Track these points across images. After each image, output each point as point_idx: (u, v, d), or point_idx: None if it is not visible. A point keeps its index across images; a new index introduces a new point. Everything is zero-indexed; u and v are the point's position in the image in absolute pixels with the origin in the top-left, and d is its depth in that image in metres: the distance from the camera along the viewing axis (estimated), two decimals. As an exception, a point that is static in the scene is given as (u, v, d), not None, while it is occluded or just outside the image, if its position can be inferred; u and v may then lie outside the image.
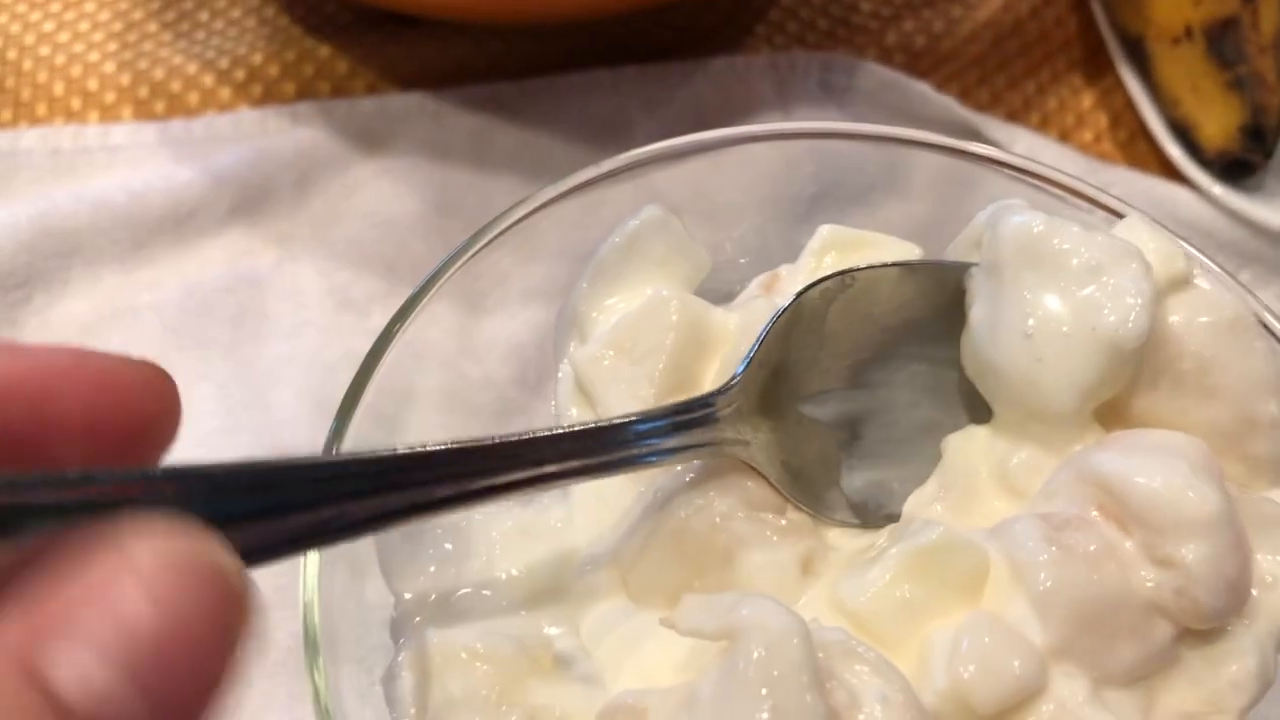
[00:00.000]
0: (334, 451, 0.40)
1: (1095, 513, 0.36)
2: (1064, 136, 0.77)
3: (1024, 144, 0.73)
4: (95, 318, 0.68)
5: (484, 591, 0.39)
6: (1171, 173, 0.73)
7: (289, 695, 0.60)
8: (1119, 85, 0.78)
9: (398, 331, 0.41)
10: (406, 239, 0.72)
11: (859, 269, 0.42)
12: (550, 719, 0.36)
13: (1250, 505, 0.37)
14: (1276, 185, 0.73)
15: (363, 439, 0.47)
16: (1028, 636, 0.34)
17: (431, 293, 0.42)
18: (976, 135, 0.72)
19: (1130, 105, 0.76)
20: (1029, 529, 0.36)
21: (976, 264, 0.41)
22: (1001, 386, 0.39)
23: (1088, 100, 0.79)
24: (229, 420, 0.66)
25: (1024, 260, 0.38)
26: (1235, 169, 0.70)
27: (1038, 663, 0.34)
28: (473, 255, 0.43)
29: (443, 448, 0.34)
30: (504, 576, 0.39)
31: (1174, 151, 0.71)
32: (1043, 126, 0.77)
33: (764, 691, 0.31)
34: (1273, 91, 0.69)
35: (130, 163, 0.73)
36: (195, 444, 0.66)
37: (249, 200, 0.72)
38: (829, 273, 0.41)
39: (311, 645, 0.35)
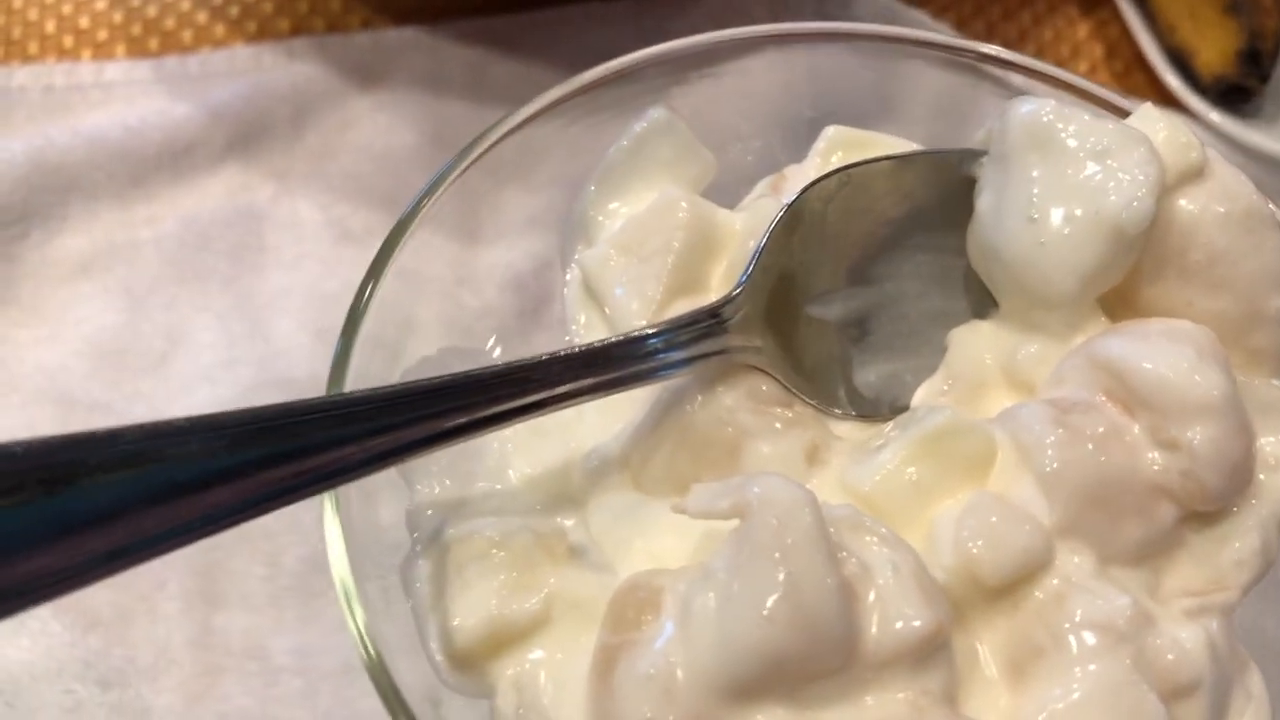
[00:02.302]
0: (341, 380, 0.40)
1: (1102, 397, 0.36)
2: (1060, 67, 0.77)
3: (1018, 75, 0.72)
4: (94, 252, 0.68)
5: (497, 486, 0.39)
6: (1168, 102, 0.73)
7: (298, 619, 0.60)
8: (1115, 16, 0.78)
9: (395, 250, 0.41)
10: (403, 171, 0.72)
11: (854, 165, 0.42)
12: (565, 603, 0.36)
13: (1254, 392, 0.38)
14: (1274, 111, 0.73)
15: (363, 368, 0.47)
16: (1034, 515, 0.35)
17: (425, 208, 0.42)
18: (973, 65, 0.72)
19: (1126, 35, 0.76)
20: (1036, 412, 0.36)
21: (980, 150, 0.41)
22: (1005, 273, 0.39)
23: (1083, 31, 0.79)
24: (230, 352, 0.66)
25: (1031, 146, 0.38)
26: (1232, 95, 0.70)
27: (1044, 538, 0.34)
28: (463, 171, 0.43)
29: (455, 378, 0.35)
30: (516, 473, 0.40)
31: (1171, 79, 0.72)
32: (1039, 57, 0.77)
33: (778, 559, 0.31)
34: (1270, 15, 0.69)
35: (125, 99, 0.73)
36: (197, 375, 0.66)
37: (246, 135, 0.72)
38: (826, 172, 0.41)
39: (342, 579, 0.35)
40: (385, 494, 0.39)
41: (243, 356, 0.66)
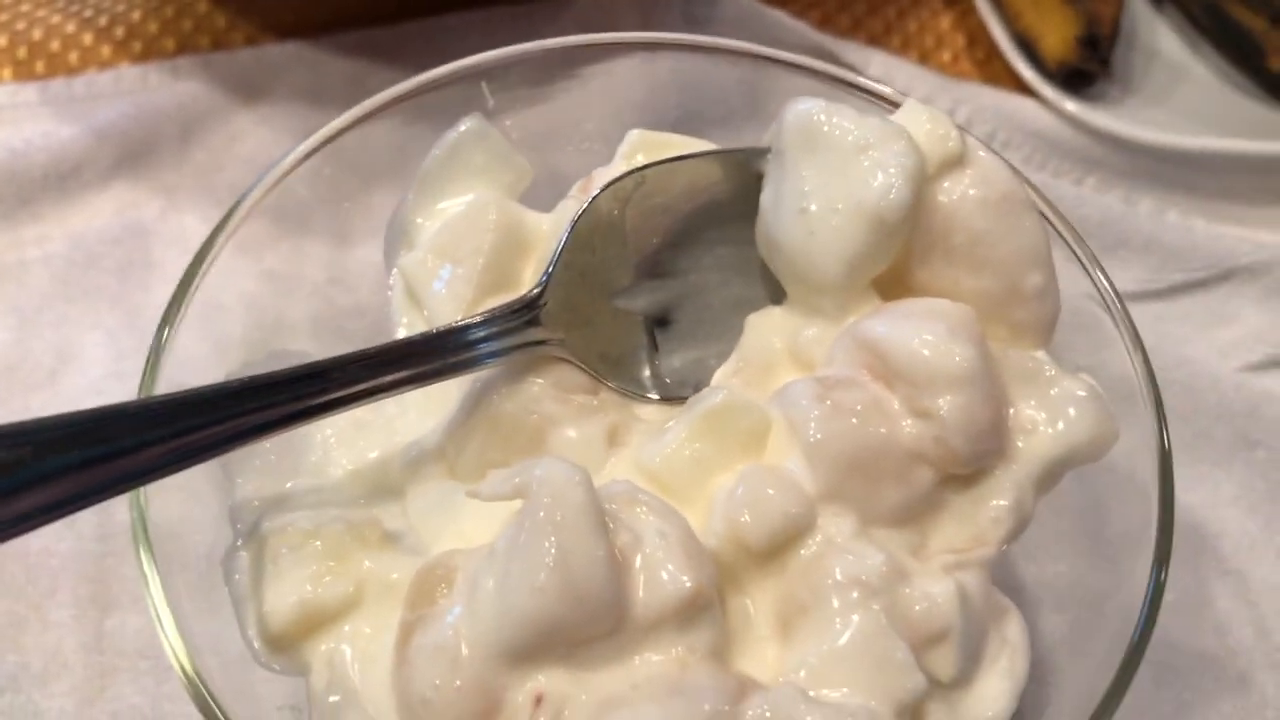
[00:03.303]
0: (153, 382, 0.42)
1: (865, 373, 0.39)
2: (924, 58, 0.80)
3: (878, 65, 0.76)
4: (-16, 273, 0.70)
5: (318, 480, 0.42)
6: (1024, 88, 0.76)
7: (192, 612, 0.62)
8: (974, 6, 0.81)
9: (215, 242, 0.43)
10: (290, 183, 0.74)
11: (648, 165, 0.44)
12: (377, 585, 0.39)
13: (1014, 362, 0.41)
14: (1120, 94, 0.76)
15: (235, 372, 0.49)
16: (799, 483, 0.38)
17: (249, 200, 0.44)
18: (831, 57, 0.75)
19: (985, 24, 0.79)
20: (803, 389, 0.39)
21: (766, 148, 0.44)
22: (785, 263, 0.42)
23: (946, 22, 0.82)
24: (120, 365, 0.68)
25: (803, 143, 0.41)
26: (1076, 79, 0.74)
27: (806, 504, 0.37)
28: (293, 168, 0.45)
29: (257, 378, 0.37)
30: (338, 466, 0.42)
31: (1020, 66, 0.75)
32: (903, 49, 0.80)
33: (550, 534, 0.34)
34: (1106, 2, 0.72)
35: (11, 122, 0.75)
36: (88, 390, 0.68)
37: (133, 154, 0.74)
38: (621, 173, 0.44)
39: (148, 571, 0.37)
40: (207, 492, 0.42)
41: (132, 370, 0.67)
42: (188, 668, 0.36)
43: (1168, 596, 0.67)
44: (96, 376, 0.67)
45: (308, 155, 0.46)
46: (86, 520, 0.63)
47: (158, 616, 0.36)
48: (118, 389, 0.67)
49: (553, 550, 0.34)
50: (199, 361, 0.50)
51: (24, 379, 0.67)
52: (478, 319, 0.41)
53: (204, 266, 0.43)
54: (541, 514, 0.34)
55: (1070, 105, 0.73)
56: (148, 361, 0.41)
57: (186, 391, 0.35)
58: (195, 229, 0.73)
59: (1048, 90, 0.74)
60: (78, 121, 0.75)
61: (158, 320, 0.69)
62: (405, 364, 0.39)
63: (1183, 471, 0.68)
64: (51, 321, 0.69)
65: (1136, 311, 0.64)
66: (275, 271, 0.60)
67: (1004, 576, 0.49)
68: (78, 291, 0.70)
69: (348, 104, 0.77)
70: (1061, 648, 0.51)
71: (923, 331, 0.38)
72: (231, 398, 0.35)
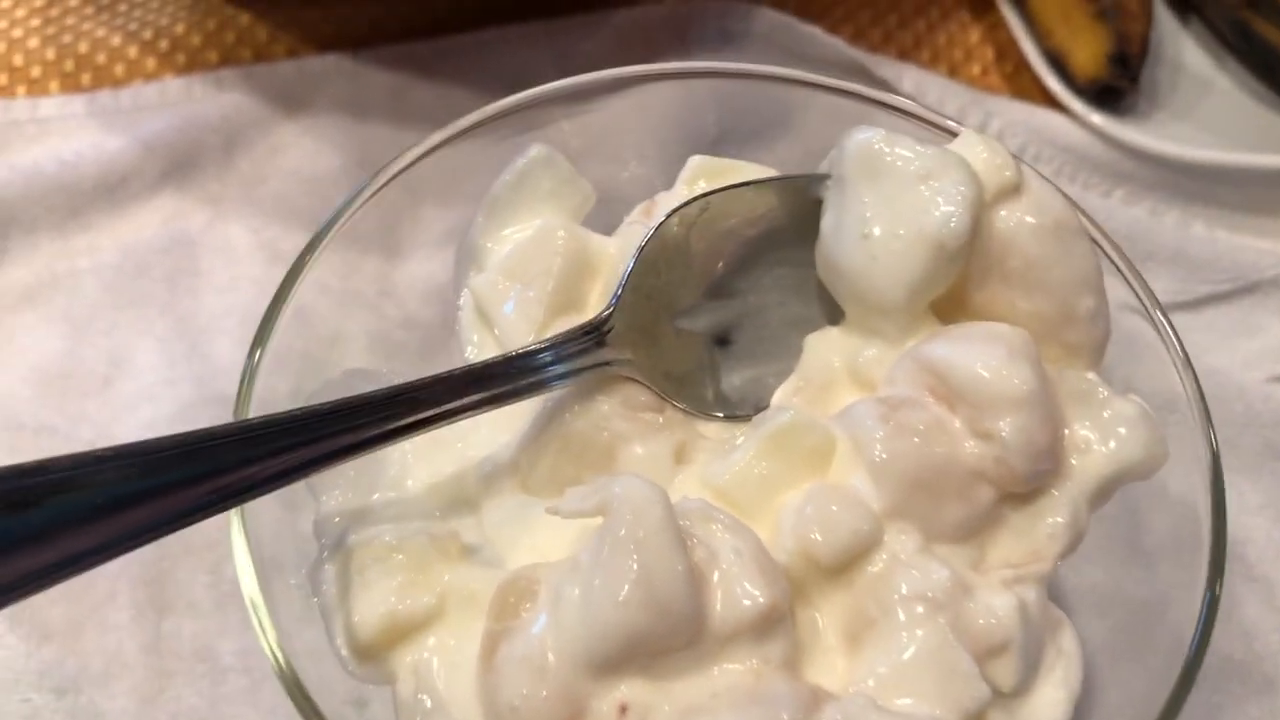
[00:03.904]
0: (248, 402, 0.44)
1: (927, 395, 0.41)
2: (953, 71, 0.82)
3: (910, 80, 0.77)
4: (36, 283, 0.72)
5: (398, 495, 0.43)
6: (1052, 101, 0.78)
7: (242, 622, 0.64)
8: (1004, 20, 0.82)
9: (305, 266, 0.45)
10: (331, 193, 0.75)
11: (712, 191, 0.46)
12: (458, 597, 0.40)
13: (1068, 383, 0.42)
14: (1147, 109, 0.78)
15: (291, 383, 0.50)
16: (865, 501, 0.39)
17: (332, 233, 0.46)
18: (864, 73, 0.76)
19: (1014, 39, 0.81)
20: (868, 410, 0.41)
21: (826, 175, 0.45)
22: (846, 286, 0.44)
23: (975, 35, 0.83)
24: (170, 372, 0.69)
25: (864, 171, 0.43)
26: (1106, 95, 0.75)
27: (873, 522, 0.39)
28: (371, 196, 0.47)
29: (349, 401, 0.39)
30: (416, 481, 0.44)
31: (1051, 80, 0.76)
32: (933, 62, 0.82)
33: (633, 551, 0.35)
34: (1136, 20, 0.74)
35: (61, 134, 0.76)
36: (139, 395, 0.69)
37: (178, 164, 0.76)
38: (687, 199, 0.46)
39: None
40: (299, 507, 0.43)
41: (182, 376, 0.69)
42: (281, 659, 0.37)
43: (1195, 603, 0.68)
44: (149, 383, 0.69)
45: (390, 180, 0.47)
46: (142, 526, 0.65)
47: (253, 607, 0.38)
48: (169, 395, 0.69)
49: (635, 565, 0.35)
50: (262, 373, 0.51)
51: (79, 385, 0.68)
52: (550, 342, 0.43)
53: (291, 292, 0.45)
54: (623, 531, 0.36)
55: (1098, 119, 0.75)
56: (241, 382, 0.43)
57: (282, 415, 0.37)
58: (240, 238, 0.74)
59: (1076, 104, 0.75)
60: (124, 133, 0.76)
61: (206, 328, 0.71)
62: (483, 386, 0.41)
63: (1209, 482, 0.69)
64: (103, 329, 0.70)
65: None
66: (328, 285, 0.62)
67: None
68: (127, 300, 0.72)
69: (389, 116, 0.79)
70: (1102, 653, 0.53)
71: (983, 355, 0.40)
72: (324, 420, 0.37)
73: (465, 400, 0.40)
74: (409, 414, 0.39)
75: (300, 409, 0.37)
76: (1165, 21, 0.81)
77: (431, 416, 0.39)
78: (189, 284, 0.73)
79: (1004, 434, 0.39)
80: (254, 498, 0.36)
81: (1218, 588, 0.41)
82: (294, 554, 0.46)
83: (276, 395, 0.48)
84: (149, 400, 0.69)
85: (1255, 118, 0.78)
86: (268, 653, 0.38)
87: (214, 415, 0.70)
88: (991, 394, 0.39)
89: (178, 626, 0.62)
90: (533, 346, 0.42)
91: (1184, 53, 0.80)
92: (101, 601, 0.63)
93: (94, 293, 0.72)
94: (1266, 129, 0.77)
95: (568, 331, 0.43)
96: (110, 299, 0.72)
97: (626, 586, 0.35)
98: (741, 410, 0.46)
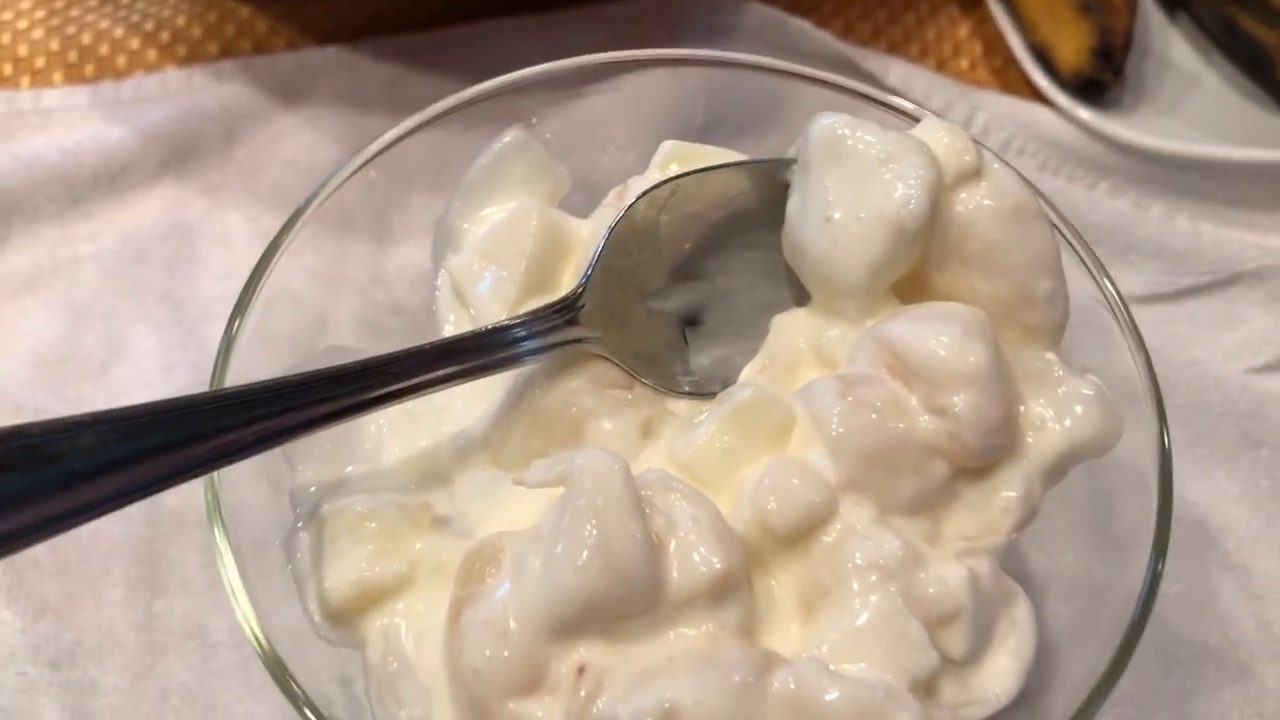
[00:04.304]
0: (222, 370, 0.45)
1: (885, 372, 0.42)
2: (941, 65, 0.83)
3: (897, 74, 0.78)
4: (37, 270, 0.73)
5: (372, 466, 0.45)
6: (1038, 96, 0.79)
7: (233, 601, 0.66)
8: (991, 15, 0.83)
9: (284, 241, 0.46)
10: (346, 213, 0.77)
11: (682, 175, 0.47)
12: (428, 565, 0.41)
13: (1026, 363, 0.43)
14: (1133, 103, 0.79)
15: (282, 369, 0.52)
16: (821, 474, 0.40)
17: (312, 208, 0.47)
18: (852, 67, 0.77)
19: (1001, 33, 0.82)
20: (826, 386, 0.42)
21: (792, 159, 0.46)
22: (810, 268, 0.45)
23: (963, 30, 0.84)
24: (167, 358, 0.71)
25: (828, 155, 0.44)
26: (1090, 88, 0.76)
27: (828, 493, 0.40)
28: (346, 179, 0.48)
29: (321, 372, 0.40)
30: (390, 454, 0.45)
31: (1036, 74, 0.77)
32: (922, 57, 0.83)
33: (592, 518, 0.37)
34: (1119, 14, 0.75)
35: (63, 124, 0.78)
36: (137, 381, 0.71)
37: (178, 154, 0.77)
38: (658, 181, 0.47)
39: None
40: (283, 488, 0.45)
41: (179, 362, 0.71)
42: (262, 640, 0.38)
43: (1173, 589, 0.69)
44: (146, 368, 0.70)
45: (366, 162, 0.49)
46: (136, 507, 0.66)
47: (232, 591, 0.39)
48: (165, 380, 0.70)
49: (594, 532, 0.36)
50: (248, 353, 0.53)
51: (77, 369, 0.70)
52: (521, 318, 0.44)
53: (269, 267, 0.46)
54: (583, 499, 0.37)
55: (1084, 113, 0.76)
56: (218, 355, 0.44)
57: (257, 384, 0.38)
58: (239, 227, 0.76)
59: (1062, 98, 0.76)
60: (126, 123, 0.78)
61: (203, 314, 0.72)
62: (455, 359, 0.42)
63: (1187, 469, 0.70)
64: (102, 315, 0.72)
65: (1145, 314, 0.67)
66: (319, 271, 0.63)
67: (1014, 567, 0.51)
68: (127, 286, 0.73)
69: (386, 107, 0.80)
70: (1065, 634, 0.54)
71: (939, 333, 0.41)
72: (298, 389, 0.38)
73: (438, 373, 0.41)
74: (382, 385, 0.40)
75: (275, 379, 0.39)
76: (1152, 16, 0.82)
77: (405, 388, 0.41)
78: (187, 271, 0.75)
79: (958, 409, 0.40)
80: (229, 464, 0.38)
81: (1160, 563, 0.42)
82: (276, 534, 0.48)
83: (262, 376, 0.49)
84: (146, 385, 0.70)
85: (1240, 113, 0.79)
86: (249, 634, 0.39)
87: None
88: (946, 370, 0.40)
89: (170, 604, 0.64)
90: (505, 322, 0.44)
91: (1171, 48, 0.81)
92: (96, 578, 0.64)
93: (94, 279, 0.73)
94: (1251, 124, 0.77)
95: (539, 308, 0.44)
96: (110, 285, 0.73)
97: (585, 552, 0.36)
98: (710, 388, 0.47)
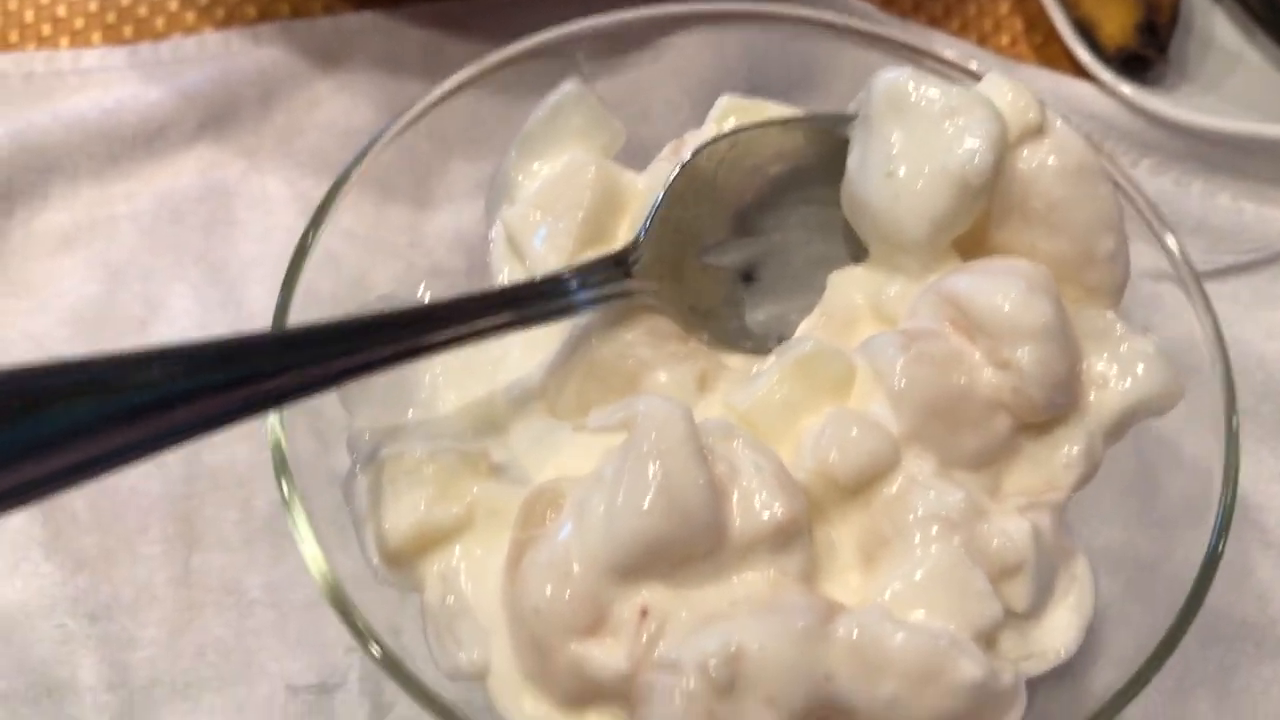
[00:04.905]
0: (284, 319, 0.45)
1: (948, 326, 0.42)
2: (982, 40, 0.82)
3: (939, 46, 0.77)
4: (75, 228, 0.73)
5: (428, 414, 0.45)
6: (1081, 71, 0.78)
7: (269, 558, 0.66)
8: (1033, -10, 0.82)
9: (332, 204, 0.46)
10: (376, 153, 0.77)
11: (740, 129, 0.47)
12: (485, 510, 0.41)
13: (1087, 321, 0.43)
14: (1176, 80, 0.78)
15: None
16: (884, 425, 0.40)
17: (358, 170, 0.47)
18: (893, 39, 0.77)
19: (1043, 9, 0.81)
20: (889, 339, 0.42)
21: (853, 115, 0.46)
22: (871, 223, 0.45)
23: (1005, 6, 0.84)
24: (204, 318, 0.71)
25: (890, 110, 0.44)
26: (1134, 64, 0.76)
27: (891, 445, 0.40)
28: (398, 134, 0.48)
29: (386, 313, 0.40)
30: (446, 403, 0.45)
31: (1079, 50, 0.77)
32: (963, 31, 0.82)
33: (656, 461, 0.36)
34: (1165, -11, 0.74)
35: (102, 84, 0.78)
36: (173, 340, 0.71)
37: (216, 116, 0.77)
38: (716, 136, 0.47)
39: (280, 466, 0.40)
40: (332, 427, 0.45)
41: (216, 322, 0.71)
42: (328, 575, 0.38)
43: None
44: (184, 327, 0.70)
45: (410, 124, 0.48)
46: (175, 463, 0.66)
47: (301, 535, 0.39)
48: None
49: (658, 475, 0.36)
50: (292, 312, 0.52)
51: (115, 329, 0.70)
52: (578, 267, 0.44)
53: (321, 229, 0.46)
54: (647, 444, 0.37)
55: (1127, 89, 0.75)
56: (280, 297, 0.44)
57: (320, 323, 0.38)
58: (276, 190, 0.76)
59: (1105, 74, 0.75)
60: (164, 84, 0.78)
61: (241, 276, 0.72)
62: (512, 306, 0.42)
63: (1227, 447, 0.70)
64: (139, 275, 0.72)
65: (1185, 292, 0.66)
66: (357, 233, 0.63)
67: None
68: (164, 246, 0.73)
69: (422, 72, 0.80)
70: (1112, 608, 0.53)
71: (1004, 287, 0.41)
72: (362, 330, 0.38)
73: (494, 319, 0.41)
74: (443, 329, 0.40)
75: (337, 319, 0.38)
76: (1196, -6, 0.81)
77: (465, 334, 0.41)
78: (224, 233, 0.75)
79: (1022, 363, 0.40)
80: (292, 402, 0.38)
81: (1221, 545, 0.42)
82: (327, 487, 0.47)
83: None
84: (184, 344, 0.70)
85: (1283, 91, 0.78)
86: (315, 573, 0.39)
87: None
88: (1010, 324, 0.40)
89: (207, 561, 0.64)
90: (561, 271, 0.43)
91: (1214, 26, 0.80)
92: (133, 534, 0.64)
93: (131, 239, 0.73)
94: (1294, 103, 0.77)
95: (595, 259, 0.44)
96: (147, 245, 0.73)
97: (649, 495, 0.36)
98: (766, 345, 0.47)
